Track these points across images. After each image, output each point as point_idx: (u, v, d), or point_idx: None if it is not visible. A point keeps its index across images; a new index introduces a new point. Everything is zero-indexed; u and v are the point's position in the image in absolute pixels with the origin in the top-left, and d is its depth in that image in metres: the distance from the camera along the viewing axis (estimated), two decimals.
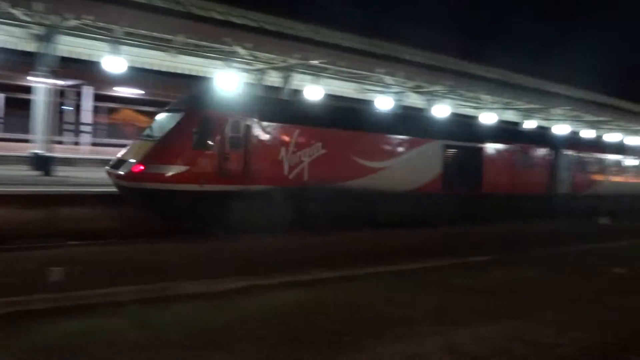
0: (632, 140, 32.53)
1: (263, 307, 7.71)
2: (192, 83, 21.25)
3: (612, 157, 24.50)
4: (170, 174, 11.54)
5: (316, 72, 21.46)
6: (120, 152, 13.19)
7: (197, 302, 7.77)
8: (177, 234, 12.85)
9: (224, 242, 12.12)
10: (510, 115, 31.55)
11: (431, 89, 22.98)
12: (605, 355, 7.05)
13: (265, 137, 12.91)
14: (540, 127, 30.92)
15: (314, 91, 20.30)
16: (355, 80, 23.85)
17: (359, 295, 8.53)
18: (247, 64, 19.67)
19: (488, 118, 27.89)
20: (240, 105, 13.33)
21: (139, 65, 19.75)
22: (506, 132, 22.77)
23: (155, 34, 17.51)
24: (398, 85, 23.71)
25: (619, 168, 25.02)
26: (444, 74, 20.57)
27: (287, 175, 13.23)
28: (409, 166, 15.86)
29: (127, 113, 35.43)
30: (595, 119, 32.52)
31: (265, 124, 12.95)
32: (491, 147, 18.74)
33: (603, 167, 23.81)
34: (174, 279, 8.55)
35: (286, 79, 19.36)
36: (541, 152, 20.85)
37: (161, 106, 15.37)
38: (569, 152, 21.86)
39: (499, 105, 28.88)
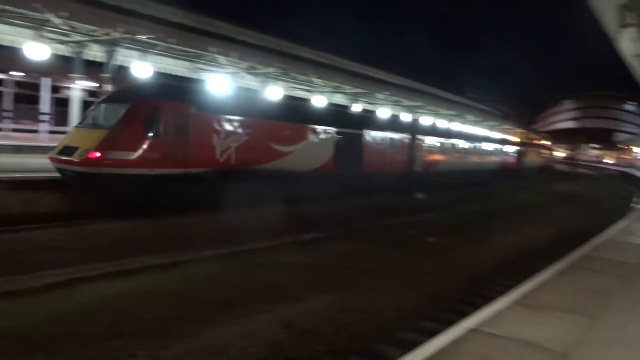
0: (467, 129, 38.39)
1: (85, 301, 7.14)
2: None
3: (452, 141, 29.44)
4: (124, 159, 12.37)
5: (145, 48, 20.20)
6: (63, 140, 13.63)
7: (14, 301, 6.93)
8: None
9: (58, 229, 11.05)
10: (340, 99, 33.47)
11: (265, 70, 23.15)
12: (419, 313, 7.96)
13: (201, 125, 14.06)
14: (367, 111, 33.66)
15: (141, 68, 19.06)
16: (187, 58, 23.01)
17: (189, 281, 8.34)
18: (64, 34, 17.69)
19: (319, 101, 29.25)
20: (182, 96, 14.51)
21: None
22: (377, 120, 25.95)
23: None
24: (232, 66, 23.49)
25: (457, 151, 30.08)
26: (277, 56, 20.84)
27: (218, 159, 14.52)
28: (310, 150, 18.11)
29: None
30: (412, 103, 36.06)
31: (202, 113, 14.15)
32: (368, 134, 21.51)
33: (445, 150, 28.52)
34: None
35: (110, 53, 17.82)
36: (403, 137, 24.09)
37: None
38: (422, 138, 25.69)
39: (329, 89, 30.43)
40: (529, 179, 41.83)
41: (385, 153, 22.73)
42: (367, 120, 24.40)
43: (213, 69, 23.55)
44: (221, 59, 21.91)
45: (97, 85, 25.13)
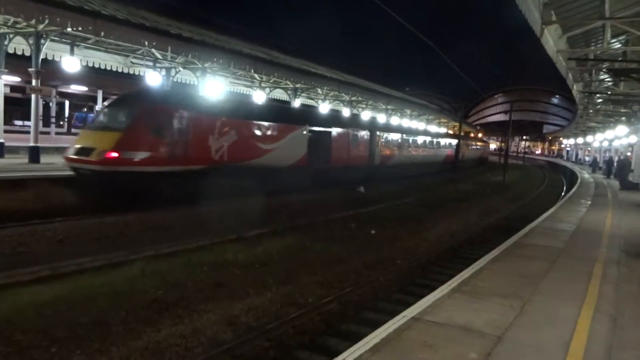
0: (410, 124, 41.78)
1: (16, 307, 6.77)
2: None
3: (405, 137, 32.22)
4: (138, 158, 13.55)
5: (75, 42, 19.27)
6: (76, 142, 14.22)
7: None
8: None
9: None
10: (280, 94, 33.35)
11: (205, 65, 22.66)
12: (363, 304, 8.11)
13: (199, 127, 15.38)
14: (335, 110, 34.63)
15: (70, 63, 18.15)
16: (120, 52, 22.16)
17: (131, 282, 8.08)
18: None
19: (259, 96, 29.04)
20: (182, 101, 15.83)
21: None
22: (343, 118, 28.07)
23: None
24: (167, 61, 22.86)
25: (409, 145, 32.90)
26: (214, 50, 20.40)
27: (213, 157, 15.85)
28: (288, 147, 19.63)
29: None
30: (351, 98, 36.47)
31: (199, 116, 15.51)
32: (335, 131, 23.33)
33: (400, 145, 31.20)
34: None
35: (36, 47, 16.84)
36: (364, 134, 26.11)
37: None
38: (379, 134, 27.97)
39: (269, 84, 30.24)
40: (466, 170, 43.54)
41: (350, 148, 24.64)
42: (334, 118, 26.18)
43: (149, 63, 22.84)
44: (156, 52, 21.28)
45: (21, 80, 23.87)
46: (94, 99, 34.25)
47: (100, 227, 11.55)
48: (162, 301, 7.43)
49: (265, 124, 18.50)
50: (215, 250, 10.53)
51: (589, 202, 18.05)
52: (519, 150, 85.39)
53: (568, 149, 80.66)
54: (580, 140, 62.41)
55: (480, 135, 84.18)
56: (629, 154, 30.30)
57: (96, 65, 22.56)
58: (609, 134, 38.42)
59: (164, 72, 23.57)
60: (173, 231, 11.94)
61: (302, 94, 33.24)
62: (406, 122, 41.85)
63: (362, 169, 25.28)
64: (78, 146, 13.88)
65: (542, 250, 9.16)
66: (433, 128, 50.40)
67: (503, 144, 73.45)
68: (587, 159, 58.92)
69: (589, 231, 11.71)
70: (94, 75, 27.52)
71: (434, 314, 5.44)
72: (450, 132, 55.87)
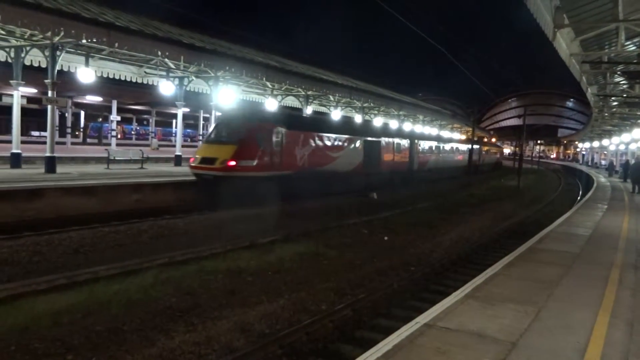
0: (446, 134, 46.87)
1: (33, 315, 6.84)
2: None
3: (437, 144, 36.26)
4: (250, 166, 16.86)
5: (90, 53, 19.56)
6: (198, 153, 17.59)
7: None
8: None
9: None
10: (293, 101, 33.46)
11: (217, 74, 22.85)
12: (376, 311, 8.08)
13: (289, 140, 18.74)
14: (385, 123, 37.99)
15: (85, 74, 18.44)
16: (134, 63, 22.44)
17: (145, 290, 8.13)
18: (1, 39, 16.88)
19: (271, 103, 29.16)
20: (277, 119, 19.60)
21: None
22: (389, 129, 31.45)
23: None
24: (180, 70, 23.09)
25: (440, 151, 36.80)
26: (227, 59, 20.59)
27: (297, 164, 19.29)
28: (350, 155, 23.13)
29: None
30: (363, 104, 36.43)
31: (289, 131, 18.79)
32: (384, 141, 26.79)
33: (432, 151, 34.93)
34: None
35: (52, 58, 17.12)
36: (405, 142, 29.91)
37: None
38: (417, 142, 31.82)
39: (281, 92, 30.36)
40: (480, 175, 43.26)
41: (395, 155, 28.33)
42: (382, 129, 29.66)
43: (162, 72, 23.10)
44: (169, 62, 21.53)
45: (37, 91, 24.27)
46: (108, 109, 34.75)
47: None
48: (175, 308, 7.46)
49: (333, 136, 21.96)
50: (228, 258, 10.55)
51: (605, 206, 17.81)
52: (533, 155, 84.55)
53: (583, 152, 79.73)
54: (595, 143, 61.67)
55: (494, 139, 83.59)
56: None
57: (110, 76, 22.86)
58: (625, 137, 37.93)
59: (177, 81, 23.83)
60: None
61: (314, 101, 33.32)
62: (434, 131, 43.46)
63: (404, 173, 29.20)
64: (200, 157, 17.22)
65: (558, 255, 9.05)
66: (456, 135, 51.66)
67: (517, 149, 72.80)
68: (603, 162, 58.20)
69: (606, 236, 11.55)
70: (108, 86, 28.00)
71: (447, 320, 5.40)
72: (463, 137, 55.77)
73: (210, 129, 20.03)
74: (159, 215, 14.41)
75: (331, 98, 33.21)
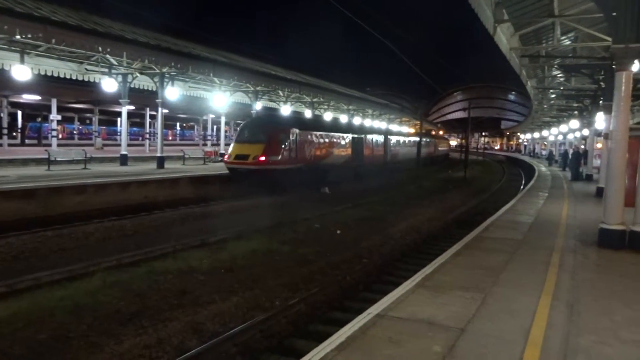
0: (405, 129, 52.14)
1: None
2: None
3: (404, 139, 42.17)
4: (275, 160, 20.68)
5: (25, 50, 18.60)
6: (232, 151, 21.47)
7: None
8: None
9: None
10: (241, 97, 33.05)
11: (163, 70, 22.26)
12: (330, 304, 8.13)
13: (301, 139, 22.80)
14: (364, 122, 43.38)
15: (20, 71, 17.52)
16: (74, 59, 21.53)
17: (92, 294, 7.86)
18: None
19: (220, 99, 28.74)
20: (292, 122, 24.41)
21: None
22: (369, 127, 37.21)
23: None
24: (123, 66, 22.36)
25: (407, 144, 42.36)
26: (171, 55, 20.07)
27: (307, 158, 23.36)
28: (341, 149, 27.54)
29: None
30: (312, 99, 36.50)
31: (301, 132, 22.97)
32: (366, 137, 31.30)
33: (400, 145, 40.19)
34: None
35: None
36: (381, 138, 34.54)
37: None
38: (391, 138, 36.98)
39: (230, 88, 29.94)
40: (430, 167, 44.33)
41: (374, 149, 32.59)
42: (363, 127, 35.38)
43: (104, 69, 22.31)
44: (111, 59, 20.81)
45: None
46: (47, 108, 33.24)
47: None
48: (125, 312, 7.25)
49: (330, 133, 26.37)
50: (179, 258, 10.35)
51: (546, 194, 18.62)
52: (479, 146, 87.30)
53: (525, 143, 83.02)
54: (536, 134, 64.30)
55: (441, 132, 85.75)
56: (582, 146, 31.39)
57: (49, 73, 21.79)
58: (563, 127, 39.71)
59: (120, 78, 23.09)
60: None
61: (264, 97, 33.09)
62: (396, 127, 48.81)
63: (380, 165, 33.28)
64: (234, 154, 21.09)
65: (502, 242, 9.39)
66: (405, 129, 54.09)
67: (463, 141, 75.01)
68: (543, 152, 60.78)
69: (547, 222, 12.07)
70: (47, 84, 26.74)
71: (399, 310, 5.50)
72: (412, 130, 57.26)
73: (238, 131, 23.92)
74: (104, 217, 13.96)
75: (280, 93, 33.08)
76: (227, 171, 21.42)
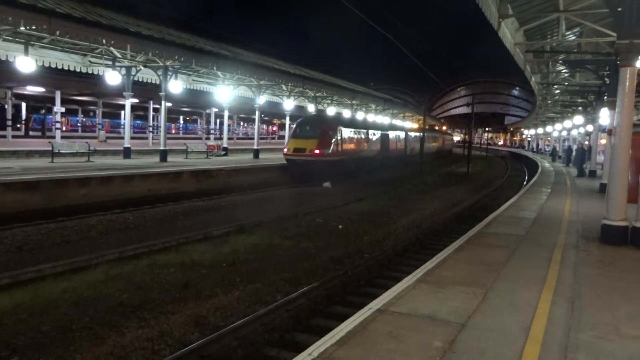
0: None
1: None
2: None
3: (419, 135, 43.31)
4: (326, 153, 24.79)
5: (30, 41, 18.59)
6: (290, 145, 25.43)
7: None
8: None
9: None
10: (245, 91, 33.03)
11: (166, 63, 22.26)
12: (330, 299, 8.15)
13: (343, 135, 26.83)
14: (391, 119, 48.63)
15: (25, 63, 17.53)
16: (78, 52, 21.53)
17: (95, 286, 7.90)
18: None
19: (223, 92, 28.77)
20: (338, 121, 29.33)
21: None
22: (393, 124, 43.50)
23: None
24: (127, 59, 22.36)
25: (416, 140, 43.90)
26: (175, 48, 20.05)
27: (348, 151, 27.39)
28: (373, 144, 31.93)
29: None
30: (316, 94, 36.44)
31: (343, 129, 27.10)
32: (391, 133, 36.46)
33: (416, 140, 42.74)
34: None
35: None
36: (402, 134, 39.91)
37: None
38: (409, 134, 41.95)
39: (233, 82, 29.92)
40: (432, 163, 44.31)
41: (397, 144, 37.85)
42: (389, 124, 41.37)
43: (108, 62, 22.30)
44: (115, 51, 20.80)
45: None
46: (51, 100, 33.27)
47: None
48: (127, 304, 7.29)
49: (364, 130, 30.81)
50: (181, 251, 10.39)
51: (549, 190, 18.58)
52: (482, 142, 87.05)
53: (529, 139, 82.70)
54: (540, 130, 64.10)
55: (444, 127, 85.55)
56: (586, 142, 31.29)
57: (53, 65, 21.75)
58: (567, 123, 39.57)
59: (124, 71, 23.09)
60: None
61: (267, 91, 33.05)
62: (374, 117, 44.71)
63: (401, 157, 38.22)
64: (292, 148, 25.07)
65: (504, 238, 9.39)
66: (408, 124, 56.70)
67: (467, 136, 74.82)
68: (547, 148, 60.58)
69: (549, 218, 12.06)
70: (51, 76, 26.72)
71: (399, 305, 5.51)
72: (416, 125, 57.32)
73: (294, 128, 28.18)
74: (108, 209, 14.00)
75: (284, 87, 33.01)
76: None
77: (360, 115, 43.12)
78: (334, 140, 25.55)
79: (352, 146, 28.15)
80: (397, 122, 53.40)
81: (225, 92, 28.59)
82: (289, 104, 34.35)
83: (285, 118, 38.63)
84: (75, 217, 12.77)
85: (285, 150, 25.71)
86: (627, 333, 4.91)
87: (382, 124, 39.47)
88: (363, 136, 30.22)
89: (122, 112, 44.14)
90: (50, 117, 39.70)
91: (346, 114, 41.63)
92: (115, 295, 7.58)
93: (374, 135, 32.40)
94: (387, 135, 35.22)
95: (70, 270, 8.66)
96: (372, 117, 44.73)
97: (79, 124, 52.74)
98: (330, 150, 25.13)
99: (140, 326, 6.62)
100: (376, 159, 32.12)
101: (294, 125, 28.86)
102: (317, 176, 23.48)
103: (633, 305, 5.77)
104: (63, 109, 33.21)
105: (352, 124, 30.44)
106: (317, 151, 24.37)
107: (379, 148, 32.84)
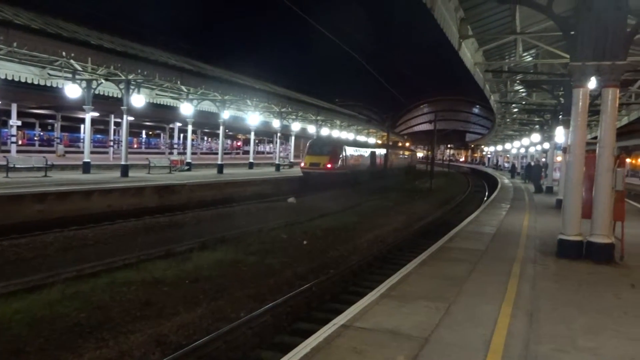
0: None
1: None
2: None
3: (395, 151, 53.08)
4: (336, 167, 31.72)
5: None
6: (306, 160, 32.47)
7: None
8: None
9: None
10: (209, 106, 32.75)
11: (129, 77, 21.88)
12: (296, 315, 8.10)
13: (347, 153, 33.53)
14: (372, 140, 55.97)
15: None
16: (36, 64, 20.94)
17: (51, 305, 7.62)
18: None
19: (186, 108, 28.51)
20: (344, 141, 38.46)
21: None
22: (376, 144, 50.03)
23: None
24: (88, 72, 21.89)
25: (396, 156, 52.15)
26: (138, 62, 19.77)
27: (349, 165, 33.75)
28: (365, 159, 38.74)
29: None
30: (281, 109, 36.48)
31: (348, 147, 34.24)
32: (376, 150, 42.44)
33: (393, 156, 48.70)
34: None
35: None
36: (382, 151, 44.85)
37: None
38: (389, 150, 46.68)
39: (197, 96, 29.67)
40: (397, 178, 44.93)
41: (380, 159, 43.06)
42: (373, 144, 48.97)
43: (68, 75, 21.78)
44: (75, 64, 20.34)
45: None
46: (7, 113, 32.19)
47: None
48: (85, 324, 7.05)
49: (360, 149, 38.22)
50: (142, 269, 10.14)
51: (509, 206, 19.08)
52: (444, 158, 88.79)
53: (489, 156, 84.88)
54: (499, 147, 65.87)
55: (407, 144, 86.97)
56: (543, 159, 32.34)
57: (9, 77, 21.12)
58: (525, 141, 40.84)
59: (84, 84, 22.58)
60: None
61: (232, 106, 32.93)
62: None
63: (382, 172, 42.76)
64: (308, 162, 31.84)
65: (466, 253, 9.57)
66: (372, 140, 58.93)
67: (429, 152, 76.25)
68: (506, 165, 62.26)
69: (509, 233, 12.37)
70: (6, 88, 25.89)
71: (364, 320, 5.53)
72: (380, 142, 58.36)
73: (307, 147, 34.23)
74: (65, 226, 13.58)
75: (249, 102, 32.96)
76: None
77: (325, 132, 43.74)
78: (341, 156, 32.46)
79: (352, 162, 34.91)
80: (377, 140, 62.45)
81: (188, 107, 28.34)
82: (254, 119, 34.30)
83: (250, 133, 38.47)
84: (30, 234, 12.33)
85: (302, 164, 32.65)
86: (582, 345, 5.06)
87: (370, 144, 48.30)
88: (359, 154, 37.44)
89: (82, 126, 43.09)
90: (6, 130, 38.36)
91: (311, 129, 46.01)
92: (72, 315, 7.32)
93: (366, 152, 39.60)
94: (374, 152, 41.83)
95: (24, 290, 8.33)
96: (363, 138, 56.86)
97: (35, 138, 51.17)
98: (338, 165, 32.09)
99: (98, 347, 6.41)
100: (367, 173, 38.66)
101: (307, 144, 35.28)
102: (329, 185, 29.35)
103: (588, 317, 5.96)
104: (19, 123, 32.19)
105: (351, 143, 39.04)
106: (329, 165, 31.34)
107: (368, 163, 39.69)
